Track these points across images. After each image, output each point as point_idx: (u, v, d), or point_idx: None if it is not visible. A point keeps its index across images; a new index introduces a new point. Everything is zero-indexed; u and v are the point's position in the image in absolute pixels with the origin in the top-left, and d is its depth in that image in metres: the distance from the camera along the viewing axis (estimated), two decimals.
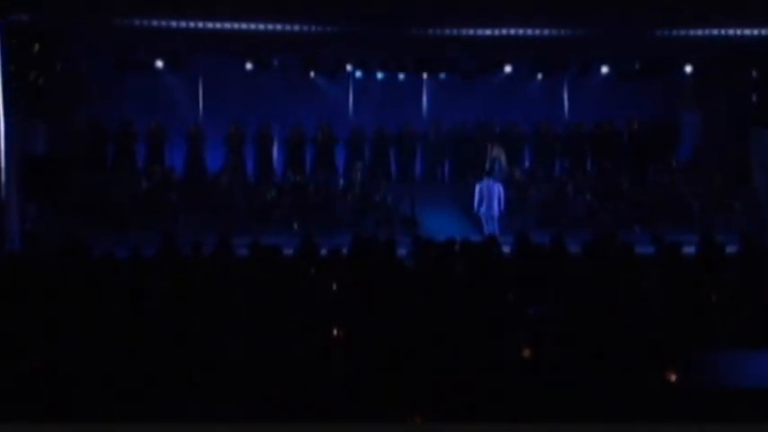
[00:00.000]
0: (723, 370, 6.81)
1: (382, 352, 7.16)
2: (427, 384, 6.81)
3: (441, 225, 16.80)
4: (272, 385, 6.74)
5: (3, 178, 15.59)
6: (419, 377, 6.88)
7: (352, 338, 7.53)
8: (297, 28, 17.47)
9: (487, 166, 18.44)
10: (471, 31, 17.87)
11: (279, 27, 17.45)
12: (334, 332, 7.61)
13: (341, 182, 18.98)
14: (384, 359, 7.07)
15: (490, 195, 17.09)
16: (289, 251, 11.10)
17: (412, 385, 6.80)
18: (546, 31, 17.98)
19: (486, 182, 17.32)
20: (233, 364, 6.98)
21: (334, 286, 9.22)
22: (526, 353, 7.23)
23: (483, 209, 17.06)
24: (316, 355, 7.16)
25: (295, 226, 17.34)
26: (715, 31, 17.71)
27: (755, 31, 17.43)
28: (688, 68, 19.62)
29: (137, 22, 16.99)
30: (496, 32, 17.85)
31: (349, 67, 19.30)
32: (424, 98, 20.56)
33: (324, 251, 11.15)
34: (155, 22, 17.07)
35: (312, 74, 19.52)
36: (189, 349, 7.08)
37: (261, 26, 17.41)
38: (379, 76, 19.70)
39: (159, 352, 7.00)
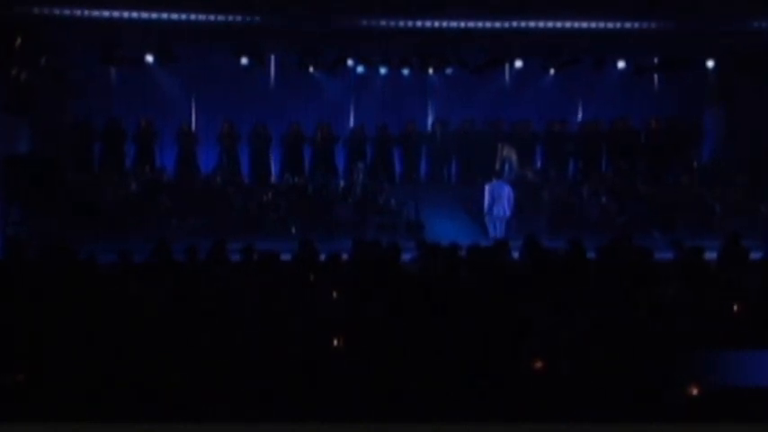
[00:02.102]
0: (723, 370, 6.93)
1: (385, 363, 7.18)
2: (432, 398, 6.82)
3: (447, 229, 16.81)
4: (268, 398, 6.77)
5: None
6: (424, 390, 6.90)
7: (353, 349, 7.55)
8: (294, 20, 17.50)
9: (497, 166, 18.45)
10: (480, 24, 17.90)
11: (276, 19, 17.49)
12: (335, 342, 7.63)
13: (341, 183, 18.98)
14: (387, 371, 7.09)
15: (500, 196, 17.15)
16: (286, 256, 11.12)
17: (416, 398, 6.82)
18: (559, 24, 18.01)
19: (495, 182, 17.38)
20: (228, 374, 7.01)
21: (335, 294, 9.24)
22: (538, 365, 7.24)
23: (493, 210, 17.12)
24: (315, 366, 7.18)
25: (293, 230, 17.35)
26: (739, 25, 17.73)
27: None
28: (710, 63, 19.62)
29: (125, 14, 17.03)
30: (506, 25, 17.87)
31: (350, 62, 19.30)
32: (430, 95, 20.56)
33: (323, 257, 11.16)
34: (144, 14, 17.12)
35: (311, 69, 19.53)
36: (182, 359, 7.11)
37: (257, 18, 17.45)
38: (382, 71, 19.71)
39: (151, 362, 7.02)
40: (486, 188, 17.34)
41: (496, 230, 17.00)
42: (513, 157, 18.91)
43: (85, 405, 6.60)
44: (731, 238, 11.53)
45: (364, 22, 17.65)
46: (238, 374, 7.04)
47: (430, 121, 20.47)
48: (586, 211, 18.23)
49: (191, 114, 19.84)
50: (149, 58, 18.68)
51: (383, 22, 17.72)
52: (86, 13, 16.84)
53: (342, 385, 7.03)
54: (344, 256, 10.96)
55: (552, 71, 19.96)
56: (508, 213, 17.18)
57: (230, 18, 17.30)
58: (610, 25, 18.04)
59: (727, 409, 6.68)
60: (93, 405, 6.59)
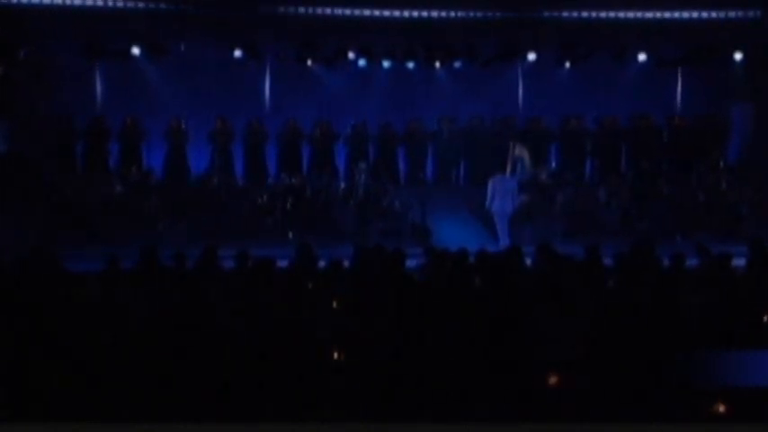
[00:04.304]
0: (723, 370, 7.14)
1: (388, 378, 7.19)
2: (439, 416, 6.84)
3: (455, 234, 16.82)
4: (264, 414, 6.79)
5: None
6: (429, 407, 6.91)
7: (354, 362, 7.56)
8: (292, 10, 17.54)
9: (509, 167, 18.42)
10: (490, 14, 17.93)
11: (272, 9, 17.52)
12: (335, 355, 7.64)
13: (342, 185, 18.98)
14: (390, 386, 7.10)
15: (504, 190, 17.16)
16: (283, 263, 11.14)
17: (421, 416, 6.83)
18: (575, 14, 18.04)
19: (499, 177, 17.40)
20: (220, 389, 7.02)
21: (335, 303, 9.26)
22: (552, 380, 7.25)
23: (495, 205, 17.12)
24: (313, 381, 7.19)
25: (290, 235, 17.38)
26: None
27: None
28: (737, 56, 19.62)
29: (110, 3, 17.08)
30: (519, 15, 17.89)
31: (351, 55, 19.33)
32: (436, 90, 20.57)
33: (323, 263, 11.19)
34: (130, 3, 17.17)
35: (309, 62, 19.56)
36: (171, 372, 7.12)
37: (251, 8, 17.49)
38: (386, 64, 19.73)
39: (138, 376, 7.04)
40: (489, 183, 17.34)
41: (501, 226, 16.98)
42: (526, 157, 18.85)
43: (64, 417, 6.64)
44: (759, 244, 11.52)
45: (366, 12, 17.67)
46: (231, 388, 7.06)
47: (436, 118, 20.45)
48: (604, 214, 18.23)
49: (180, 111, 19.81)
50: (136, 51, 18.71)
51: (386, 12, 17.75)
52: (69, 2, 16.89)
53: (342, 400, 7.04)
54: (345, 263, 10.98)
55: (568, 64, 19.98)
56: (509, 210, 17.17)
57: (223, 8, 17.34)
58: (630, 15, 18.07)
59: (727, 410, 6.81)
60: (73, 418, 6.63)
